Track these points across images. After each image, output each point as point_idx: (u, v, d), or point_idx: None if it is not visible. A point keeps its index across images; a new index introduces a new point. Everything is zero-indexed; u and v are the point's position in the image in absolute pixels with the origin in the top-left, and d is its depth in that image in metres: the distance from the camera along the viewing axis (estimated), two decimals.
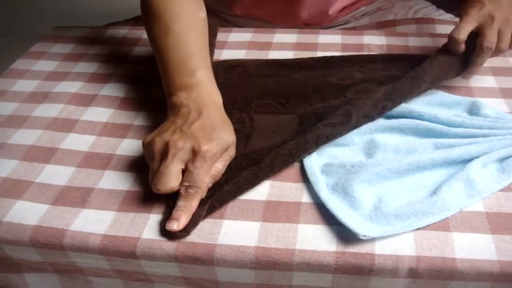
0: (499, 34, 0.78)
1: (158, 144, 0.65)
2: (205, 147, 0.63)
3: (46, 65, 0.96)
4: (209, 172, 0.64)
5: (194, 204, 0.62)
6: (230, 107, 0.78)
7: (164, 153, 0.64)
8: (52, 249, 0.62)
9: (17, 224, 0.63)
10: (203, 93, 0.72)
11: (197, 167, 0.63)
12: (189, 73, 0.73)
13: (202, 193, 0.63)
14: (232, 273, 0.60)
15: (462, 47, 0.79)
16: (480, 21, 0.79)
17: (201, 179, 0.63)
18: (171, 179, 0.62)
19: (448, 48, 0.80)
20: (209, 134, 0.65)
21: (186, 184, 0.63)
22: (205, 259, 0.59)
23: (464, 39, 0.78)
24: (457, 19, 1.14)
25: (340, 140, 0.71)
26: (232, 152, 0.69)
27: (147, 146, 0.66)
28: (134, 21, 1.14)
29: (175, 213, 0.61)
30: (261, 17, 1.13)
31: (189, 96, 0.71)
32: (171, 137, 0.65)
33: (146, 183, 0.67)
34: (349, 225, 0.58)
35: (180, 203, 0.62)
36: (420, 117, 0.72)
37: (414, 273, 0.57)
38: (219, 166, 0.66)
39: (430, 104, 0.76)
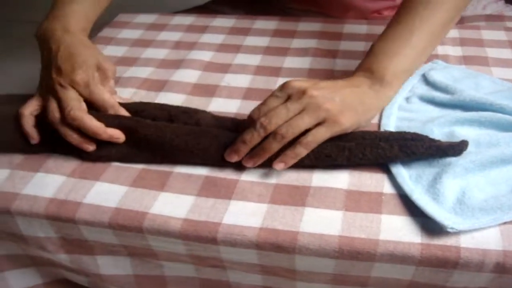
0: None
1: None
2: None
3: (115, 51, 0.97)
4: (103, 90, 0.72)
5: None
6: None
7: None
8: (130, 232, 0.62)
9: (97, 205, 0.64)
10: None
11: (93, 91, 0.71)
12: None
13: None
14: (312, 262, 0.60)
15: None
16: None
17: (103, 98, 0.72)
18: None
19: None
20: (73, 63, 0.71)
21: None
22: (287, 247, 0.58)
23: None
24: None
25: (419, 132, 0.69)
26: (109, 67, 0.75)
27: None
28: (198, 10, 1.14)
29: None
30: None
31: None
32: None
33: (226, 169, 0.67)
34: (436, 218, 0.57)
35: None
36: (501, 110, 0.70)
37: (500, 268, 0.55)
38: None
39: (510, 98, 0.74)
